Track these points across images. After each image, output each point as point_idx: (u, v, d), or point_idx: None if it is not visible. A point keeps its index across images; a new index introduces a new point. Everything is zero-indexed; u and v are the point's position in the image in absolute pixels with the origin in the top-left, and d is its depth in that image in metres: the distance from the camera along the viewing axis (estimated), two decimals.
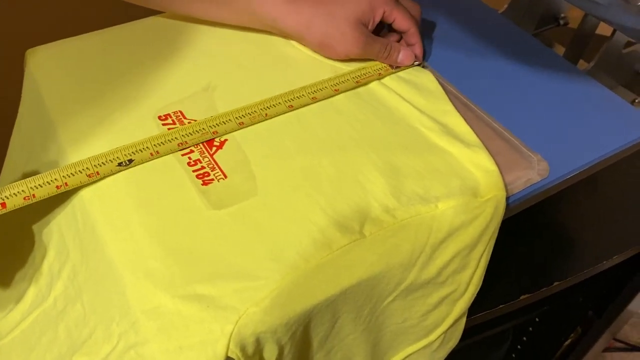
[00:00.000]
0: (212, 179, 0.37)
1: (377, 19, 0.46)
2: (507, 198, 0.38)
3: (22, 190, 0.34)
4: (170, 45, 0.48)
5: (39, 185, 0.35)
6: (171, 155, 0.39)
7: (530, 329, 0.86)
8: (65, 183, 0.36)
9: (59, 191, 0.35)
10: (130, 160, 0.37)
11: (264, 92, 0.43)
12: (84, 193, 0.37)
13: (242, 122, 0.41)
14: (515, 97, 0.47)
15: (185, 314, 0.31)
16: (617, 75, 0.54)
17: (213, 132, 0.40)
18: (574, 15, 0.61)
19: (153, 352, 0.30)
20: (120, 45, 0.48)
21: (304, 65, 0.47)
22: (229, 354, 0.30)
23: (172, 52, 0.47)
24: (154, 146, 0.38)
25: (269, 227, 0.34)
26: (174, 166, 0.38)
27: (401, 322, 0.40)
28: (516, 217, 0.41)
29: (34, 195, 0.35)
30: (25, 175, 0.36)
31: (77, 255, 0.37)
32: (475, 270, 0.39)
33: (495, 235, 0.38)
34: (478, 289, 0.40)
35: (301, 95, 0.43)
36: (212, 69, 0.46)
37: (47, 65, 0.46)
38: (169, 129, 0.40)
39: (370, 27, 0.46)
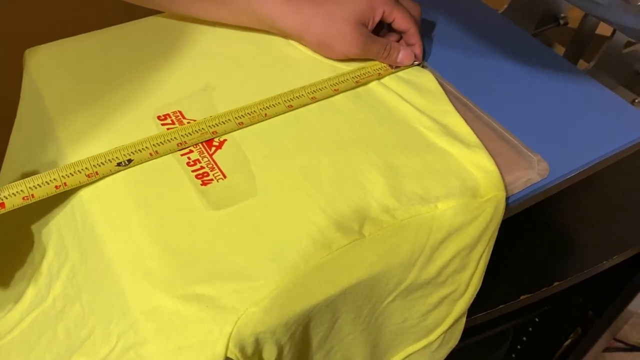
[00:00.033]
0: (212, 179, 0.37)
1: (377, 19, 0.46)
2: (507, 198, 0.38)
3: (21, 190, 0.34)
4: (170, 45, 0.48)
5: (38, 185, 0.35)
6: (170, 155, 0.39)
7: (530, 329, 0.86)
8: (65, 183, 0.36)
9: (58, 191, 0.35)
10: (130, 160, 0.37)
11: (264, 92, 0.43)
12: (83, 193, 0.37)
13: (242, 122, 0.41)
14: (515, 97, 0.47)
15: (184, 314, 0.31)
16: (617, 75, 0.54)
17: (212, 132, 0.40)
18: (574, 15, 0.61)
19: (152, 353, 0.30)
20: (120, 45, 0.48)
21: (303, 65, 0.47)
22: (228, 354, 0.30)
23: (172, 52, 0.47)
24: (153, 146, 0.38)
25: (268, 227, 0.34)
26: (173, 166, 0.38)
27: (401, 322, 0.40)
28: (516, 217, 0.41)
29: (32, 195, 0.35)
30: (25, 175, 0.36)
31: (76, 255, 0.37)
32: (475, 271, 0.39)
33: (495, 235, 0.38)
34: (478, 289, 0.40)
35: (301, 95, 0.43)
36: (212, 68, 0.46)
37: (46, 65, 0.46)
38: (168, 129, 0.40)
39: (369, 27, 0.45)
